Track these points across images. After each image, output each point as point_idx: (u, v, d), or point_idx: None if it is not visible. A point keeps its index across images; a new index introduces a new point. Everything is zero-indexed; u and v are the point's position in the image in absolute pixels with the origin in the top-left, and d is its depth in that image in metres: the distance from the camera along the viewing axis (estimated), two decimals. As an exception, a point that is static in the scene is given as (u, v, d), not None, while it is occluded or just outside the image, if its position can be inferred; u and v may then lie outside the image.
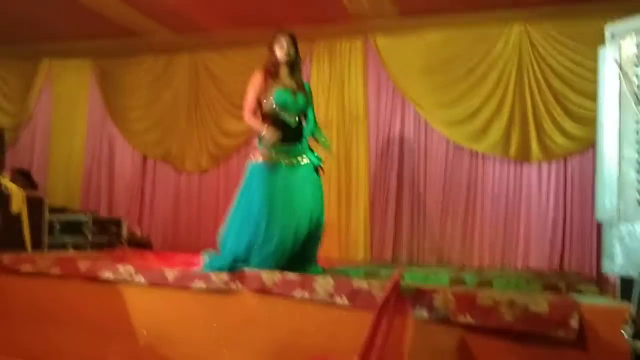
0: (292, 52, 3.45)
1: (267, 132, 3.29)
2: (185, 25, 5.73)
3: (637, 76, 2.38)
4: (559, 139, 4.84)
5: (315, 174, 3.46)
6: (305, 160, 3.43)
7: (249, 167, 3.41)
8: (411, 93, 5.33)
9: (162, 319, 3.06)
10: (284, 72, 3.48)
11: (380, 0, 4.93)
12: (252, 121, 3.46)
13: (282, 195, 3.27)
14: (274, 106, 3.38)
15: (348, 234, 5.40)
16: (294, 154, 3.41)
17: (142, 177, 6.35)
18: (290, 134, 3.40)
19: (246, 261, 3.16)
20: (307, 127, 3.53)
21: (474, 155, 5.18)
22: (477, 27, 5.14)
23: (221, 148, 6.03)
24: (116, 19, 5.58)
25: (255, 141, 3.51)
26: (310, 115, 3.57)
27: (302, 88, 3.51)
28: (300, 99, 3.46)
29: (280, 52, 3.43)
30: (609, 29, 2.50)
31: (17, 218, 4.22)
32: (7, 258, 3.56)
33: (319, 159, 3.49)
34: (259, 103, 3.46)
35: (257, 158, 3.37)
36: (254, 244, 3.20)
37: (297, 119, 3.46)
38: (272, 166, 3.32)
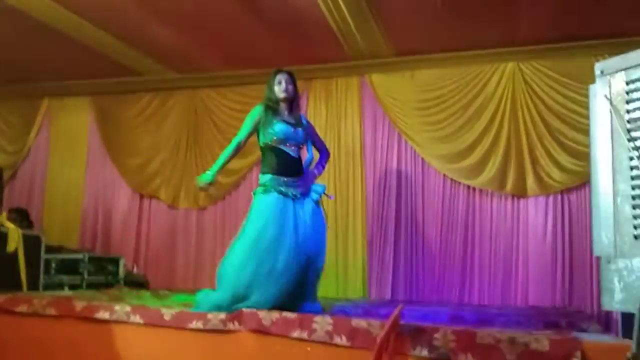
0: (291, 89, 3.53)
1: (203, 178, 3.46)
2: (184, 64, 5.85)
3: (627, 112, 2.42)
4: (555, 174, 4.87)
5: (317, 207, 3.48)
6: (306, 191, 3.46)
7: (255, 197, 3.42)
8: (406, 129, 5.39)
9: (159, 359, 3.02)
10: (282, 108, 3.55)
11: (377, 41, 5.06)
12: (229, 148, 3.52)
13: (287, 228, 3.27)
14: (275, 138, 3.43)
15: (346, 272, 5.37)
16: (299, 185, 3.44)
17: (139, 214, 6.34)
18: (291, 165, 3.45)
19: (245, 297, 3.13)
20: (307, 160, 3.61)
21: (470, 190, 5.20)
22: (470, 65, 5.25)
23: (218, 184, 6.03)
24: (116, 58, 5.70)
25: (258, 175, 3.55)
26: (319, 145, 3.73)
27: (300, 123, 3.58)
28: (299, 132, 3.52)
29: (279, 89, 3.50)
30: (599, 67, 2.55)
31: (13, 257, 4.18)
32: (3, 298, 3.51)
33: (322, 187, 3.53)
34: (255, 135, 3.54)
35: (263, 189, 3.39)
36: (256, 277, 3.16)
37: (298, 151, 3.51)
38: (277, 197, 3.33)
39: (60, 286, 4.84)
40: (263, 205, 3.34)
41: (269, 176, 3.40)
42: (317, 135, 3.88)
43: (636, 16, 4.31)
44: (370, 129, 5.59)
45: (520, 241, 4.99)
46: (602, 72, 2.53)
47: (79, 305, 3.28)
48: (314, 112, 5.73)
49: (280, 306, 3.08)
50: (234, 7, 4.50)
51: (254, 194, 3.44)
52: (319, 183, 3.60)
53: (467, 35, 4.89)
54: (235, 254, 3.30)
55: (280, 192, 3.35)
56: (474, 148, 5.12)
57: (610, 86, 2.48)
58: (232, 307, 3.08)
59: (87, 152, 6.60)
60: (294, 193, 3.39)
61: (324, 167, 3.74)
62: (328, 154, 3.83)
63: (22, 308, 3.41)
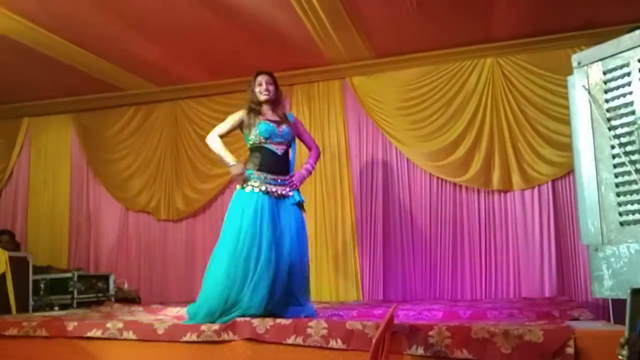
0: (271, 89, 3.55)
1: (235, 167, 3.39)
2: (164, 76, 5.82)
3: (606, 101, 2.46)
4: (539, 166, 4.91)
5: (299, 211, 3.48)
6: (289, 193, 3.45)
7: (235, 194, 3.42)
8: (389, 129, 5.41)
9: (154, 375, 2.98)
10: (265, 109, 3.56)
11: (357, 45, 5.08)
12: (212, 141, 3.53)
13: (264, 226, 3.26)
14: (259, 137, 3.44)
15: (338, 275, 5.36)
16: (282, 184, 3.43)
17: (126, 229, 6.29)
18: (277, 163, 3.46)
19: (235, 304, 3.11)
20: (293, 158, 3.60)
21: (457, 186, 5.22)
22: (449, 63, 5.28)
23: (204, 194, 6.02)
24: (96, 74, 5.66)
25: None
26: (309, 142, 3.74)
27: (285, 120, 3.59)
28: (285, 129, 3.52)
29: (259, 91, 3.53)
30: (575, 58, 2.59)
31: (1, 280, 4.12)
32: (-9, 322, 3.46)
33: (301, 199, 3.52)
34: (239, 131, 3.58)
35: (243, 185, 3.39)
36: (240, 282, 3.15)
37: (283, 149, 3.51)
38: (254, 195, 3.33)
39: (50, 306, 4.78)
40: (239, 203, 3.34)
41: (250, 172, 3.42)
42: (305, 131, 3.87)
43: (610, 6, 4.38)
44: (354, 131, 5.61)
45: (509, 234, 5.02)
46: (579, 63, 2.57)
47: (70, 324, 3.24)
48: (297, 117, 5.72)
49: (271, 310, 3.08)
50: (212, 18, 4.49)
51: (238, 188, 3.45)
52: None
53: (444, 34, 4.93)
54: (216, 262, 3.29)
55: (260, 190, 3.34)
56: (458, 145, 5.15)
57: (588, 77, 2.52)
58: (224, 316, 3.06)
59: (70, 170, 6.53)
60: (275, 192, 3.38)
61: (313, 166, 3.69)
62: (318, 151, 3.77)
63: (13, 331, 3.36)
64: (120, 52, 5.18)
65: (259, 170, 3.41)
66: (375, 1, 4.33)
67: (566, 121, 4.09)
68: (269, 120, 3.50)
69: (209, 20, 4.53)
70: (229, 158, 3.48)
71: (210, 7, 4.33)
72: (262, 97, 3.53)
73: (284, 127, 3.52)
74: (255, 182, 3.37)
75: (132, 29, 4.71)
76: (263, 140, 3.45)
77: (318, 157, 3.76)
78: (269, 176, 3.41)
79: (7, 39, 4.75)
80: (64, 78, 5.70)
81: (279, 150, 3.49)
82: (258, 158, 3.45)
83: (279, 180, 3.44)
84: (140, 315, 3.99)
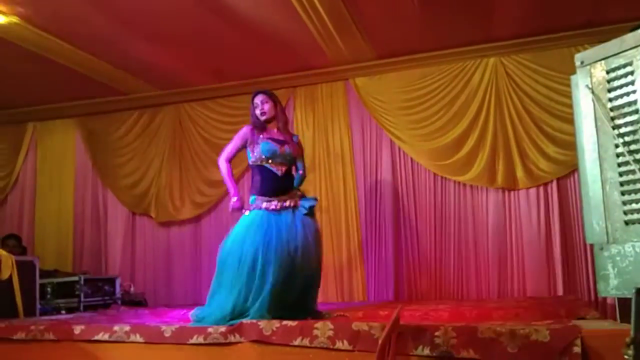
0: (267, 108, 3.51)
1: (235, 202, 3.46)
2: (169, 80, 5.84)
3: (610, 100, 2.45)
4: (543, 164, 4.91)
5: (308, 218, 3.45)
6: (293, 204, 3.43)
7: (242, 218, 3.43)
8: (393, 129, 5.42)
9: (161, 378, 2.99)
10: (270, 127, 3.55)
11: (359, 46, 5.09)
12: (223, 166, 3.55)
13: (279, 238, 3.25)
14: (261, 156, 3.43)
15: (343, 277, 5.37)
16: (286, 204, 3.40)
17: (132, 232, 6.31)
18: (279, 184, 3.43)
19: (242, 313, 3.12)
20: (297, 178, 3.58)
21: (461, 185, 5.22)
22: (452, 63, 5.29)
23: (209, 197, 6.03)
24: (100, 78, 5.69)
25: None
26: (300, 165, 3.63)
27: (290, 140, 3.56)
28: (288, 150, 3.49)
29: (258, 112, 3.52)
30: (578, 57, 2.58)
31: (8, 284, 4.14)
32: (-1, 326, 3.48)
33: (313, 199, 3.52)
34: (243, 150, 3.55)
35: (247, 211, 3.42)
36: (249, 292, 3.16)
37: (284, 169, 3.49)
38: (258, 212, 3.34)
39: (57, 310, 4.80)
40: (248, 221, 3.35)
41: (253, 197, 3.43)
42: (302, 157, 3.73)
43: (612, 4, 4.38)
44: (358, 131, 5.61)
45: (514, 233, 5.02)
46: (582, 62, 2.57)
47: (77, 328, 3.25)
48: (301, 118, 5.75)
49: (280, 317, 3.09)
50: (214, 21, 4.50)
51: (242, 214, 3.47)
52: (310, 197, 3.57)
53: (447, 34, 4.93)
54: (224, 271, 3.31)
55: (262, 208, 3.35)
56: (462, 144, 5.15)
57: (591, 76, 2.52)
58: (232, 320, 3.08)
59: (75, 174, 6.56)
60: (280, 210, 3.36)
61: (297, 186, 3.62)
62: (302, 175, 3.66)
63: (20, 335, 3.37)
64: (124, 55, 5.20)
65: (260, 194, 3.40)
66: (377, 2, 4.34)
67: (570, 120, 4.09)
68: (272, 139, 3.49)
69: (212, 23, 4.55)
70: (232, 190, 3.51)
71: (213, 10, 4.34)
72: (261, 118, 3.52)
73: (286, 147, 3.49)
74: (258, 205, 3.38)
75: (135, 33, 4.72)
76: (264, 159, 3.43)
77: (301, 180, 3.65)
78: (273, 199, 3.38)
79: (12, 44, 4.78)
80: (68, 82, 5.72)
81: (279, 171, 3.45)
82: (258, 182, 3.44)
83: (283, 200, 3.40)
84: (147, 318, 4.00)
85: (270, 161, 3.43)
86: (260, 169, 3.45)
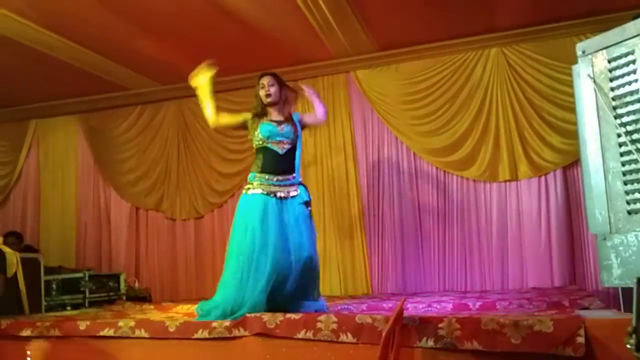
0: (273, 90, 3.53)
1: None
2: (170, 75, 5.82)
3: (611, 89, 2.44)
4: (547, 154, 4.89)
5: (305, 209, 3.47)
6: (294, 193, 3.45)
7: (240, 199, 3.45)
8: (396, 124, 5.40)
9: (166, 372, 3.01)
10: (271, 110, 3.57)
11: (360, 38, 5.06)
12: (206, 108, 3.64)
13: (271, 228, 3.28)
14: (261, 137, 3.46)
15: (346, 270, 5.37)
16: (285, 185, 3.43)
17: (136, 228, 6.32)
18: (280, 162, 3.45)
19: (242, 304, 3.13)
20: (298, 158, 3.58)
21: (464, 177, 5.21)
22: (454, 54, 5.26)
23: (214, 191, 6.03)
24: (101, 74, 5.68)
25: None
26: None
27: (290, 119, 3.58)
28: (287, 128, 3.51)
29: (263, 94, 3.53)
30: (580, 47, 2.57)
31: (13, 281, 4.17)
32: (6, 323, 3.50)
33: (309, 196, 3.52)
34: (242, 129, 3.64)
35: (248, 188, 3.42)
36: (247, 284, 3.18)
37: (286, 148, 3.50)
38: (260, 198, 3.35)
39: (62, 306, 4.82)
40: (246, 209, 3.37)
41: (253, 174, 3.45)
42: (306, 116, 3.81)
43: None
44: (359, 124, 5.60)
45: (517, 224, 5.00)
46: (583, 52, 2.56)
47: (82, 324, 3.28)
48: (302, 112, 5.70)
49: (283, 307, 3.10)
50: (215, 15, 4.48)
51: (243, 192, 3.47)
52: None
53: (448, 25, 4.90)
54: (227, 267, 3.34)
55: (263, 192, 3.36)
56: (466, 138, 5.13)
57: (592, 65, 2.51)
58: (233, 314, 3.09)
59: (78, 170, 6.57)
60: (279, 194, 3.39)
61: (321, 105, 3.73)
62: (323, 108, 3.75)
63: (27, 332, 3.40)
64: (125, 51, 5.18)
65: (261, 172, 3.43)
66: (377, -7, 4.32)
67: (573, 109, 4.08)
68: (271, 120, 3.52)
69: (212, 17, 4.53)
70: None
71: (213, 4, 4.32)
72: (266, 100, 3.54)
73: (285, 125, 3.51)
74: (258, 184, 3.39)
75: (135, 28, 4.71)
76: (265, 140, 3.46)
77: (324, 112, 3.75)
78: (272, 177, 3.41)
79: (12, 42, 4.78)
80: (69, 79, 5.72)
81: (280, 149, 3.48)
82: (260, 160, 3.47)
83: (281, 182, 3.43)
84: (152, 313, 4.02)
85: (269, 140, 3.46)
86: (262, 149, 3.48)
